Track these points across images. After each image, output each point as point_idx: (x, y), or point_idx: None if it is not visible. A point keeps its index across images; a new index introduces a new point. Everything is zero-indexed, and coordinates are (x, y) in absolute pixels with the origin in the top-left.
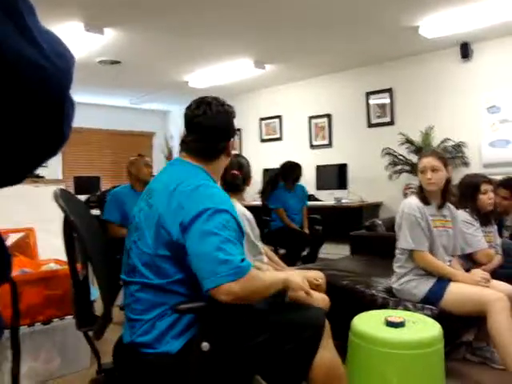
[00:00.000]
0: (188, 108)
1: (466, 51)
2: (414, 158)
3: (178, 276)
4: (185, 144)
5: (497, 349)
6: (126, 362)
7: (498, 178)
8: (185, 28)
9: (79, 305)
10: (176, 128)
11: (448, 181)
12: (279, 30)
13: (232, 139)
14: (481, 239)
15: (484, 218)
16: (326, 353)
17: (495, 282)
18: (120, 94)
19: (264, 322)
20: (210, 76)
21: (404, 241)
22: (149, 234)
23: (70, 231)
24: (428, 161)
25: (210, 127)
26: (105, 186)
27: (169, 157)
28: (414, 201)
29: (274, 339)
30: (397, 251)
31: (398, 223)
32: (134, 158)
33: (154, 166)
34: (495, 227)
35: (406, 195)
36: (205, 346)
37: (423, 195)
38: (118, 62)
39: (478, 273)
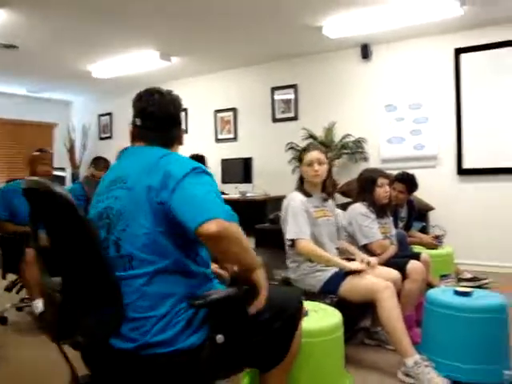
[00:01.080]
0: (138, 98)
1: (365, 52)
2: None
3: (180, 253)
4: (139, 133)
5: (387, 334)
6: (130, 369)
7: (394, 172)
8: (88, 16)
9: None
10: (79, 119)
11: (328, 173)
12: (185, 23)
13: (182, 128)
14: (376, 231)
15: (380, 210)
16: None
17: (387, 270)
18: (16, 82)
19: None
20: (115, 66)
21: (289, 232)
22: (142, 214)
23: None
24: (315, 154)
25: (164, 116)
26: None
27: (71, 150)
28: (297, 195)
29: (268, 320)
30: (286, 247)
31: (283, 218)
32: (33, 155)
33: (54, 159)
34: (391, 219)
35: None
36: (219, 338)
37: (304, 188)
38: (14, 47)
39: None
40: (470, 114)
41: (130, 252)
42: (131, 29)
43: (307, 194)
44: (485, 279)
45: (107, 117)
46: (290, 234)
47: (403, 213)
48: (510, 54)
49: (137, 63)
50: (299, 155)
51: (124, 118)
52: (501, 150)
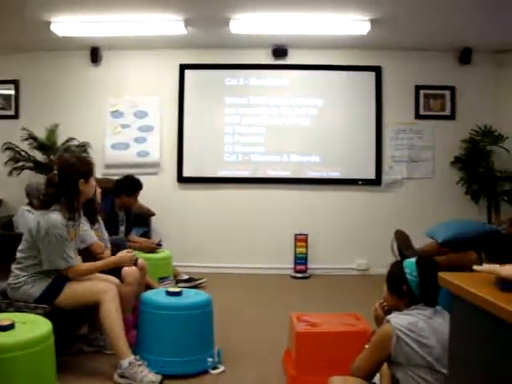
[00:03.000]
0: None
1: (95, 56)
2: (37, 155)
3: None
4: None
5: (107, 335)
6: None
7: (115, 177)
8: None
9: None
10: None
11: None
12: None
13: None
14: (91, 234)
15: (92, 215)
16: None
17: (105, 276)
18: None
19: None
20: None
21: (61, 261)
22: None
23: None
24: None
25: None
26: None
27: None
28: (59, 218)
29: None
30: (20, 254)
31: (41, 238)
32: None
33: None
34: (101, 223)
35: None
36: None
37: (76, 207)
38: None
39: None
40: (190, 126)
41: None
42: None
43: (73, 214)
44: (200, 279)
45: None
46: (61, 263)
47: (121, 217)
48: (227, 75)
49: None
50: (88, 168)
51: None
52: (215, 160)
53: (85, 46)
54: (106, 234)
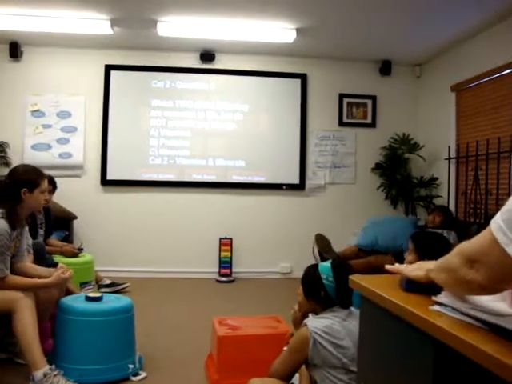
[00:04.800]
0: None
1: (15, 51)
2: None
3: None
4: None
5: (21, 345)
6: None
7: None
8: None
9: None
10: None
11: None
12: None
13: None
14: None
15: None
16: None
17: None
18: None
19: None
20: None
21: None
22: None
23: None
24: (47, 182)
25: None
26: None
27: None
28: (3, 225)
29: None
30: None
31: None
32: None
33: None
34: (26, 229)
35: None
36: None
37: (18, 215)
38: None
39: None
40: (115, 128)
41: None
42: None
43: (16, 223)
44: (124, 284)
45: None
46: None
47: (40, 220)
48: (153, 77)
49: None
50: (30, 178)
51: None
52: (140, 163)
53: (4, 40)
54: (30, 241)
